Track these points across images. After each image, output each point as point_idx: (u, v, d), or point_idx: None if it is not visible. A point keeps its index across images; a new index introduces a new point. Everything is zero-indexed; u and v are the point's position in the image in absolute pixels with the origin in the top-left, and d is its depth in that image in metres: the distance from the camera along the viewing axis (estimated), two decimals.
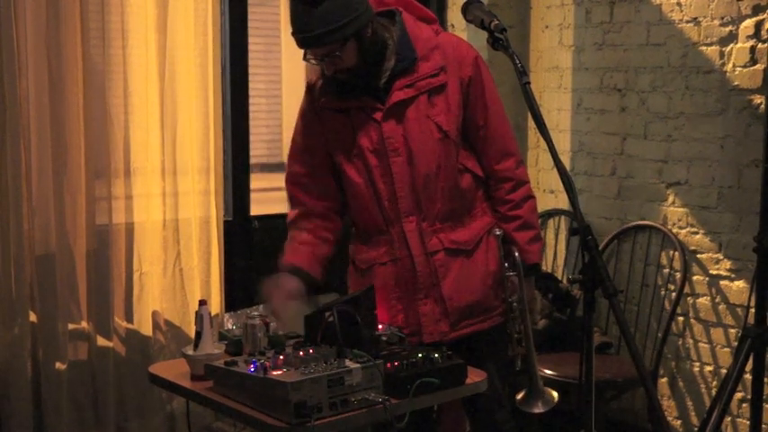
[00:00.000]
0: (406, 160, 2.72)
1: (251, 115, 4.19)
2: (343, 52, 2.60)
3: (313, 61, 2.66)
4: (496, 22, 2.25)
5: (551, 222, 4.69)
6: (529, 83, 2.01)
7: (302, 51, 2.67)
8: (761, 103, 3.79)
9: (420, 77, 2.71)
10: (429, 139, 2.72)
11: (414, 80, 2.71)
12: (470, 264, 2.79)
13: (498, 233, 2.77)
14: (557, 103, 4.78)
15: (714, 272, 4.00)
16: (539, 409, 2.66)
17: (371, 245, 2.82)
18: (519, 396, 2.69)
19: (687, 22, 4.08)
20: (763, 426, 3.61)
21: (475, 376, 2.51)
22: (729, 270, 3.94)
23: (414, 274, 2.77)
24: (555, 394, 2.68)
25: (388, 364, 2.35)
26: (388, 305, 2.77)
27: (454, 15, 4.74)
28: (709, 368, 4.06)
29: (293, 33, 2.61)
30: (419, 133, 2.71)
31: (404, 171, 2.72)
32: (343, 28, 2.57)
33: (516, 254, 2.76)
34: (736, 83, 3.90)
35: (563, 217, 4.70)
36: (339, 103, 2.75)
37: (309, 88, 2.84)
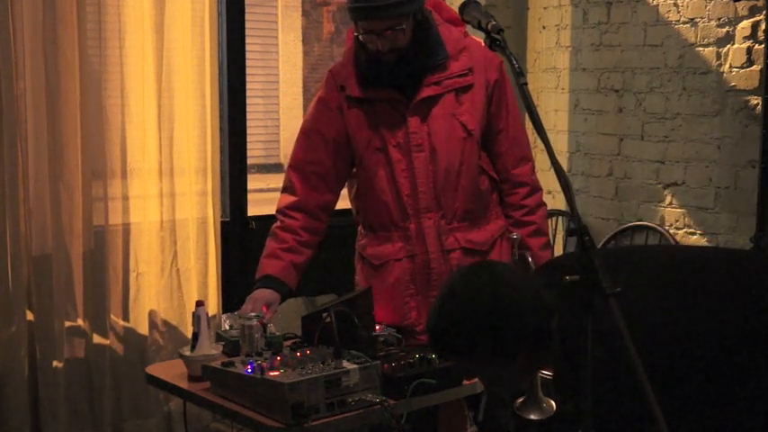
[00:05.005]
0: (428, 156, 2.72)
1: (248, 116, 4.18)
2: (407, 27, 2.60)
3: (362, 37, 2.63)
4: (494, 22, 2.25)
5: (549, 223, 4.69)
6: (526, 83, 2.01)
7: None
8: (757, 104, 3.80)
9: (448, 76, 2.72)
10: (453, 138, 2.72)
11: (442, 78, 2.71)
12: None
13: (516, 237, 2.76)
14: (554, 104, 4.78)
15: None
16: (535, 416, 2.67)
17: (386, 240, 2.80)
18: (518, 401, 2.70)
19: (684, 23, 4.09)
20: None
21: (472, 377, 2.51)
22: None
23: (429, 272, 2.76)
24: (553, 403, 2.69)
25: (386, 365, 2.35)
26: (402, 302, 2.77)
27: None
28: None
29: (357, 2, 2.58)
30: (443, 131, 2.72)
31: (426, 167, 2.72)
32: (412, 1, 2.59)
33: (530, 259, 2.76)
34: (732, 84, 3.91)
35: (560, 217, 4.70)
36: (366, 92, 2.73)
37: (332, 75, 2.82)
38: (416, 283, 2.77)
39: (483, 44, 2.80)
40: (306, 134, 2.83)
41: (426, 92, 2.71)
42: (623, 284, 1.64)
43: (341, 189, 2.90)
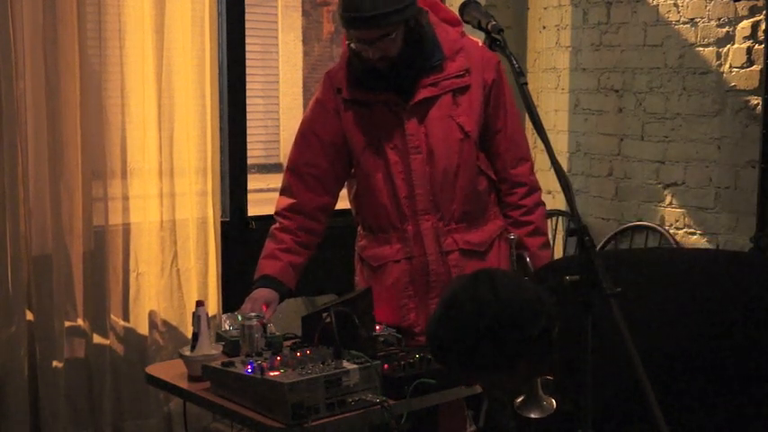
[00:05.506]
0: (425, 158, 2.71)
1: (248, 116, 4.19)
2: (397, 36, 2.59)
3: (353, 45, 2.62)
4: (494, 22, 2.25)
5: (549, 223, 4.69)
6: (526, 83, 2.01)
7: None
8: (757, 104, 3.80)
9: (445, 77, 2.71)
10: (450, 139, 2.71)
11: (438, 79, 2.71)
12: (483, 266, 2.78)
13: (513, 238, 2.75)
14: (554, 104, 4.78)
15: None
16: (536, 414, 2.67)
17: (384, 242, 2.80)
18: (518, 400, 2.70)
19: (684, 23, 4.09)
20: None
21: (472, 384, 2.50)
22: None
23: (427, 273, 2.76)
24: (553, 402, 2.69)
25: (386, 365, 2.35)
26: (400, 303, 2.76)
27: None
28: None
29: (347, 12, 2.57)
30: (441, 132, 2.71)
31: (423, 169, 2.71)
32: (403, 11, 2.57)
33: (528, 259, 2.75)
34: (732, 84, 3.91)
35: (560, 218, 4.70)
36: (363, 95, 2.73)
37: (328, 77, 2.81)
38: (415, 284, 2.77)
39: (480, 44, 2.80)
40: (303, 136, 2.83)
41: (423, 93, 2.70)
42: (623, 286, 1.64)
43: (339, 190, 2.89)
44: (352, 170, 2.84)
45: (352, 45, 2.63)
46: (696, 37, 4.05)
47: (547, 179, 4.78)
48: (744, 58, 3.87)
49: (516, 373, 1.86)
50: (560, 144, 4.69)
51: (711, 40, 3.99)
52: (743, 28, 3.87)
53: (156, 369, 2.70)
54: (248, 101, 4.19)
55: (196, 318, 2.52)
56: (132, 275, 3.74)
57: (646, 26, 4.26)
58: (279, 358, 2.31)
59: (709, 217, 4.02)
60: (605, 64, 4.47)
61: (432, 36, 2.71)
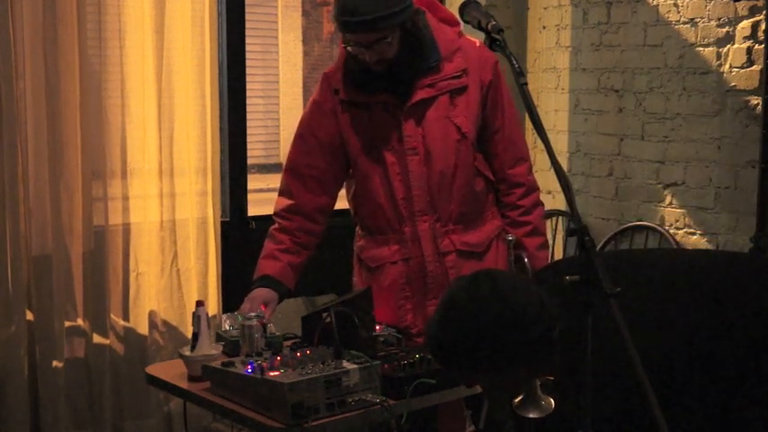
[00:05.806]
0: (422, 159, 2.71)
1: (248, 116, 4.19)
2: (393, 39, 2.59)
3: (350, 48, 2.62)
4: (494, 22, 2.25)
5: (549, 223, 4.69)
6: (526, 83, 2.01)
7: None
8: (757, 104, 3.80)
9: (442, 78, 2.71)
10: (447, 140, 2.71)
11: (435, 80, 2.70)
12: (481, 267, 2.78)
13: (511, 239, 2.75)
14: (554, 104, 4.78)
15: None
16: (535, 414, 2.67)
17: (382, 243, 2.80)
18: (516, 400, 2.70)
19: (684, 23, 4.09)
20: None
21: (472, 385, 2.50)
22: None
23: (424, 275, 2.77)
24: (552, 401, 2.69)
25: (386, 365, 2.35)
26: (397, 304, 2.76)
27: None
28: None
29: (342, 16, 2.57)
30: (438, 133, 2.71)
31: (420, 170, 2.71)
32: (399, 14, 2.57)
33: (526, 260, 2.75)
34: (732, 84, 3.91)
35: (560, 218, 4.70)
36: (360, 96, 2.73)
37: (326, 78, 2.81)
38: (412, 285, 2.77)
39: (478, 44, 2.80)
40: (301, 137, 2.83)
41: (420, 94, 2.70)
42: (623, 286, 1.64)
43: (338, 191, 2.90)
44: (350, 171, 2.84)
45: (349, 48, 2.63)
46: (696, 37, 4.05)
47: (547, 179, 4.78)
48: (744, 58, 3.87)
49: (516, 375, 1.86)
50: (560, 144, 4.70)
51: (711, 40, 3.99)
52: (743, 28, 3.87)
53: (156, 369, 2.70)
54: (248, 101, 4.19)
55: (196, 318, 2.52)
56: (132, 275, 3.74)
57: (646, 26, 4.26)
58: (279, 358, 2.32)
59: (709, 217, 4.02)
60: (605, 64, 4.47)
61: (429, 37, 2.70)
